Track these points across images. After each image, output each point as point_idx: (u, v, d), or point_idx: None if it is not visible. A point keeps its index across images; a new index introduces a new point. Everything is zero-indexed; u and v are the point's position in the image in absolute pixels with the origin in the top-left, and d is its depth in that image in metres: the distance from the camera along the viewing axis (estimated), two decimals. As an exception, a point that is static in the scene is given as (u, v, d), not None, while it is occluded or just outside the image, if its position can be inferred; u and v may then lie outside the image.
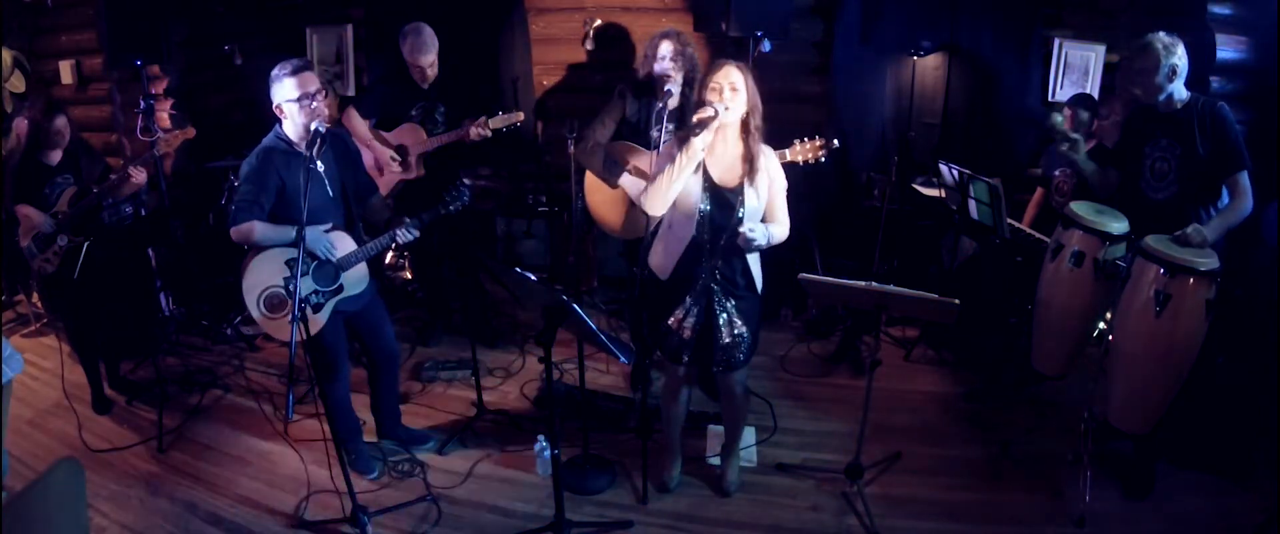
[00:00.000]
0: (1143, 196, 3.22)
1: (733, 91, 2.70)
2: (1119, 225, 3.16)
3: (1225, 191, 3.05)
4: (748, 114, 2.75)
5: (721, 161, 2.80)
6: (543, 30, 5.37)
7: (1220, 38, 4.09)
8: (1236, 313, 3.04)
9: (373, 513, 3.02)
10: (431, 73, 4.03)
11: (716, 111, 2.67)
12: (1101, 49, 4.76)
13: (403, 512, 3.15)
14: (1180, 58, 3.04)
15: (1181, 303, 2.82)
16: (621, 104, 3.68)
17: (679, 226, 2.83)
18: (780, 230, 2.84)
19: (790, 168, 3.34)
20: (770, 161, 2.85)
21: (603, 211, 3.84)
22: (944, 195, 4.35)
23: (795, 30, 4.40)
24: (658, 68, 3.54)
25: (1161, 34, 3.06)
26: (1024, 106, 4.94)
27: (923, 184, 4.75)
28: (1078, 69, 4.83)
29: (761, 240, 2.71)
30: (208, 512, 3.18)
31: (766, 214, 2.85)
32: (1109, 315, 3.13)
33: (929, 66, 4.97)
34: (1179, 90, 3.09)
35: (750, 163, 2.78)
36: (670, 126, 3.24)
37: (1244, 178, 3.00)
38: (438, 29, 4.07)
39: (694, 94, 2.82)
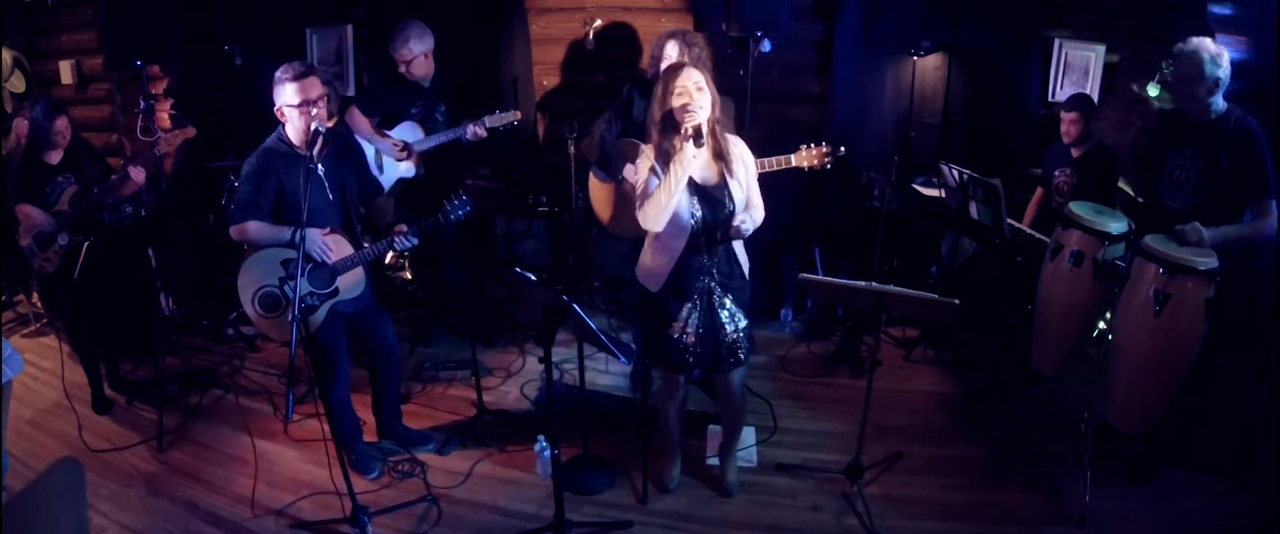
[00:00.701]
0: (1159, 202, 3.17)
1: (700, 91, 2.71)
2: (1118, 225, 3.16)
3: (1248, 213, 2.95)
4: (713, 110, 2.77)
5: (699, 164, 2.79)
6: (543, 30, 5.37)
7: (1220, 38, 4.08)
8: (1236, 313, 3.03)
9: (373, 513, 3.02)
10: (417, 69, 4.01)
11: (700, 117, 2.68)
12: (1101, 49, 4.76)
13: (403, 512, 3.15)
14: (1225, 69, 2.88)
15: (1181, 302, 2.81)
16: (629, 103, 3.68)
17: (669, 237, 2.81)
18: (759, 214, 2.88)
19: (794, 170, 3.35)
20: (738, 148, 2.87)
21: (604, 210, 3.84)
22: (944, 195, 4.35)
23: (795, 30, 4.40)
24: (664, 68, 3.53)
25: (1208, 42, 2.89)
26: (1024, 106, 4.94)
27: (923, 184, 4.76)
28: (1078, 69, 4.83)
29: (750, 228, 2.78)
30: (208, 511, 3.19)
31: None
32: (1109, 315, 3.12)
33: (929, 66, 4.97)
34: (1217, 101, 2.97)
35: (725, 157, 2.81)
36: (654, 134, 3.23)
37: (1271, 204, 2.89)
38: (438, 29, 4.06)
39: (654, 104, 2.77)
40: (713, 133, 2.78)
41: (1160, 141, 3.20)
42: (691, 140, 2.66)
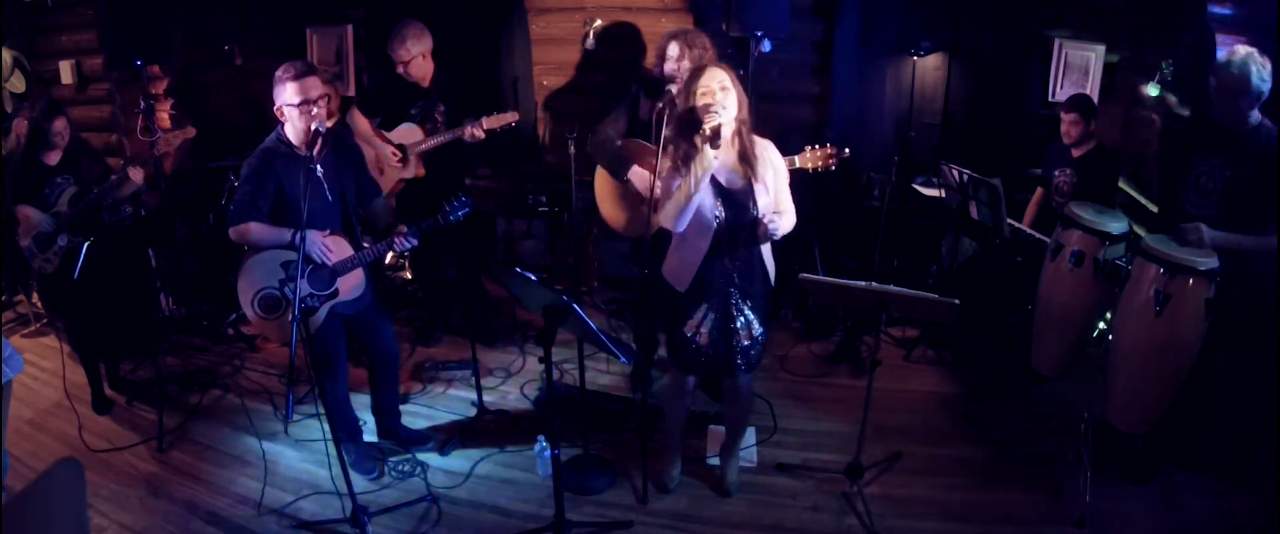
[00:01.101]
0: (1179, 206, 3.08)
1: (723, 91, 2.67)
2: (1118, 225, 3.16)
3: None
4: (738, 110, 2.72)
5: (723, 165, 2.75)
6: (543, 30, 5.37)
7: (1220, 38, 4.09)
8: (1236, 313, 3.03)
9: (373, 513, 3.02)
10: (415, 70, 3.99)
11: (721, 117, 2.64)
12: (1101, 49, 4.76)
13: (403, 512, 3.15)
14: (1270, 82, 2.77)
15: (1181, 302, 2.81)
16: (635, 102, 3.68)
17: (694, 239, 2.78)
18: (790, 220, 2.82)
19: (796, 172, 3.34)
20: (768, 152, 2.82)
21: (608, 207, 3.83)
22: (944, 195, 4.35)
23: (795, 30, 4.40)
24: (666, 69, 3.53)
25: (1254, 52, 2.78)
26: (1024, 106, 4.94)
27: (923, 184, 4.76)
28: (1078, 69, 4.83)
29: (779, 231, 2.72)
30: (208, 512, 3.18)
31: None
32: (1109, 315, 3.12)
33: (929, 66, 4.97)
34: (1254, 113, 2.89)
35: (750, 160, 2.75)
36: (667, 132, 3.23)
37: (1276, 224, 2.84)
38: (437, 29, 4.06)
39: (680, 102, 2.74)
40: (739, 134, 2.73)
41: (1186, 146, 3.11)
42: (713, 142, 2.61)
